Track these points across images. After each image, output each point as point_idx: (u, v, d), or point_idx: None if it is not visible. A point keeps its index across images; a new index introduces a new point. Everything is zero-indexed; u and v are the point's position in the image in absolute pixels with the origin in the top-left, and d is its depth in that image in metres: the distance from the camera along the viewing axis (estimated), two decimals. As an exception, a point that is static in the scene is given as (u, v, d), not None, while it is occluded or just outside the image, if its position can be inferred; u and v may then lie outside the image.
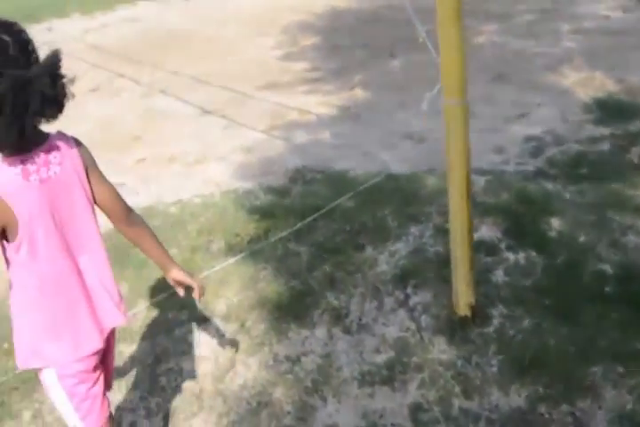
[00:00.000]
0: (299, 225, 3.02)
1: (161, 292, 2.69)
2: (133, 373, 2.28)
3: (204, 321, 2.50)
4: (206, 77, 5.81)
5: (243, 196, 3.45)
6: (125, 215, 1.54)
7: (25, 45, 1.27)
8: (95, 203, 1.48)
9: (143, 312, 2.59)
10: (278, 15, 8.46)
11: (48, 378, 1.49)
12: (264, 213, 3.21)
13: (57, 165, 1.36)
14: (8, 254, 1.38)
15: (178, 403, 2.15)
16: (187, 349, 2.37)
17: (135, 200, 3.60)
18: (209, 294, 2.64)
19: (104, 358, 1.60)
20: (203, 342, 2.39)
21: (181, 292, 1.66)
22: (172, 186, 3.70)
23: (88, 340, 1.48)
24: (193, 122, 4.77)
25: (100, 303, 1.50)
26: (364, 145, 4.06)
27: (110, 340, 1.61)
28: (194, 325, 2.48)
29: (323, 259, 2.79)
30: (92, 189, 1.46)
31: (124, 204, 1.53)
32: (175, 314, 2.55)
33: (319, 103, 4.97)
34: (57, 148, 1.36)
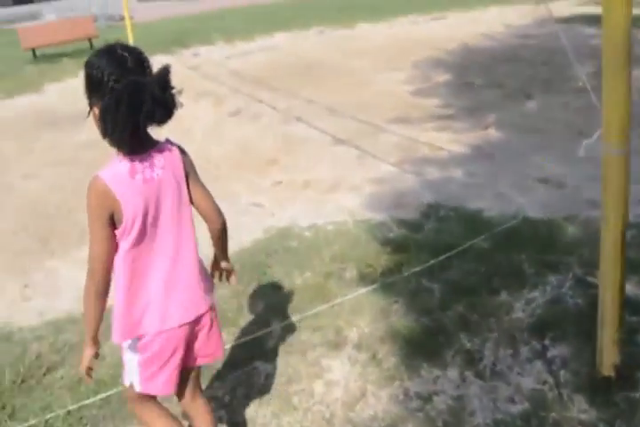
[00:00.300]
0: (432, 262, 3.03)
1: (296, 312, 2.80)
2: (267, 390, 2.38)
3: (336, 347, 2.56)
4: (339, 107, 6.03)
5: (375, 227, 3.52)
6: (218, 217, 1.71)
7: (141, 61, 1.50)
8: (192, 204, 1.66)
9: (277, 331, 2.70)
10: (409, 50, 8.63)
11: (127, 343, 1.67)
12: (397, 246, 3.26)
13: (160, 168, 1.56)
14: (117, 239, 1.58)
15: (308, 424, 2.21)
16: (318, 372, 2.44)
17: (271, 221, 3.80)
18: (342, 320, 2.72)
19: (189, 348, 1.73)
20: (334, 368, 2.45)
21: (218, 278, 1.90)
22: (307, 210, 3.85)
23: (172, 318, 1.64)
24: (327, 150, 4.95)
25: (187, 291, 1.66)
26: (498, 186, 4.01)
27: (198, 331, 1.73)
28: (326, 349, 2.55)
29: (456, 298, 2.77)
30: (189, 192, 1.64)
31: (218, 207, 1.71)
32: (308, 336, 2.64)
33: (451, 140, 4.99)
34: (162, 153, 1.57)
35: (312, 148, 5.03)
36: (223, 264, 1.88)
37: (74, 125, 7.22)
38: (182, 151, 1.65)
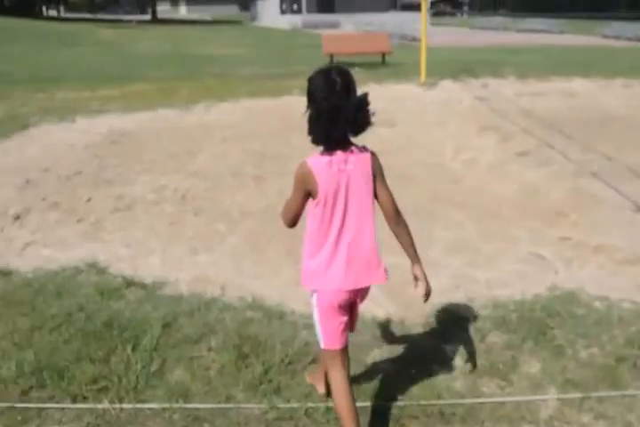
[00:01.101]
0: None
1: (577, 388, 2.54)
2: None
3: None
4: (645, 171, 5.44)
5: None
6: (395, 215, 2.11)
7: (347, 85, 1.92)
8: (377, 200, 2.09)
9: (553, 402, 2.48)
10: None
11: (314, 300, 2.11)
12: None
13: (352, 164, 2.01)
14: (310, 207, 2.07)
15: None
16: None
17: (554, 278, 3.54)
18: (633, 416, 2.39)
19: (353, 310, 2.17)
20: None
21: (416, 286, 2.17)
22: (598, 278, 3.51)
23: (349, 281, 2.05)
24: (626, 216, 4.48)
25: (362, 262, 2.07)
26: None
27: (364, 297, 2.17)
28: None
29: None
30: (375, 189, 2.08)
31: (396, 207, 2.11)
32: (590, 420, 2.37)
33: None
34: (356, 154, 2.02)
35: (608, 210, 4.60)
36: (414, 269, 2.16)
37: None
38: (373, 154, 2.08)
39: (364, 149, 2.08)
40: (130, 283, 3.47)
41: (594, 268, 3.67)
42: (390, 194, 2.11)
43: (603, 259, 3.79)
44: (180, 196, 5.12)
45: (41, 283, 3.54)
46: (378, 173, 2.08)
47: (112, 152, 6.75)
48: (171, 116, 8.58)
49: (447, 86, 10.55)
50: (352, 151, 2.02)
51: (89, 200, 5.16)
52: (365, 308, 3.18)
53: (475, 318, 3.10)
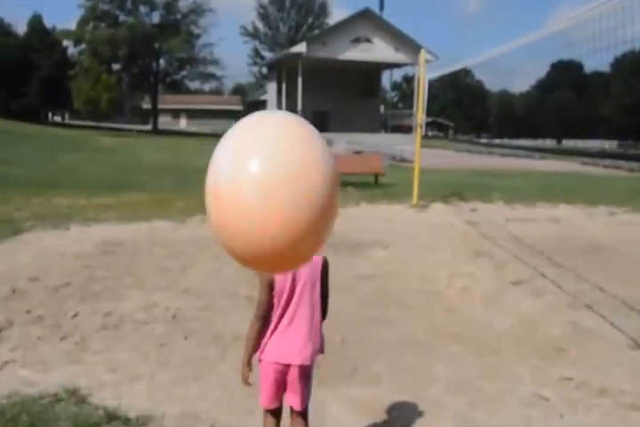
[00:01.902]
0: None
1: None
2: None
3: None
4: (639, 306, 5.47)
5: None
6: (322, 316, 2.70)
7: None
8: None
9: None
10: None
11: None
12: None
13: (305, 267, 2.49)
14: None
15: None
16: None
17: (558, 423, 3.41)
18: None
19: (290, 388, 2.61)
20: None
21: None
22: (605, 425, 3.38)
23: (282, 356, 2.54)
24: (625, 354, 4.43)
25: (301, 344, 2.56)
26: None
27: (298, 378, 2.58)
28: None
29: None
30: (321, 286, 2.61)
31: (326, 308, 2.71)
32: None
33: None
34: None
35: (606, 346, 4.55)
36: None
37: (353, 252, 7.81)
38: (324, 259, 2.62)
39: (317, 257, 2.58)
40: (111, 417, 3.26)
41: (600, 413, 3.55)
42: (327, 293, 2.69)
43: (608, 403, 3.68)
44: (170, 315, 5.01)
45: (15, 412, 3.32)
46: (325, 275, 2.64)
47: (103, 263, 6.70)
48: (165, 229, 8.64)
49: (438, 209, 10.90)
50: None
51: (75, 315, 5.03)
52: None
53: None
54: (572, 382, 3.94)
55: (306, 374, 2.59)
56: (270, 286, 2.51)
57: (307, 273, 2.52)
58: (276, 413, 2.67)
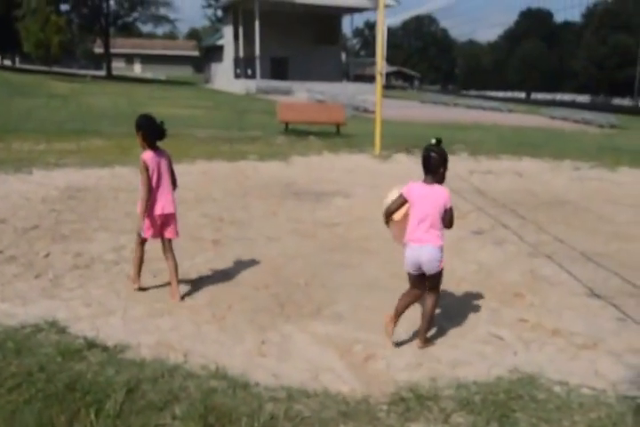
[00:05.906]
0: None
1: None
2: None
3: None
4: (597, 257, 5.91)
5: (643, 409, 3.31)
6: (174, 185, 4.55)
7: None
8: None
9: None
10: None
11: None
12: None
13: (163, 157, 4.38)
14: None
15: None
16: None
17: (513, 360, 3.79)
18: None
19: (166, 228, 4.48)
20: None
21: None
22: (556, 363, 3.75)
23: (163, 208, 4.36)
24: (581, 301, 4.83)
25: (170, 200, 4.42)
26: None
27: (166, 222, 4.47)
28: None
29: None
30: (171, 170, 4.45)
31: (174, 178, 4.52)
32: None
33: None
34: (163, 152, 4.41)
35: (564, 294, 4.96)
36: None
37: (315, 201, 8.04)
38: (166, 152, 4.42)
39: (164, 150, 4.48)
40: (91, 344, 3.52)
41: (552, 352, 3.94)
42: (174, 172, 4.54)
43: (561, 343, 4.07)
44: (137, 257, 5.22)
45: (0, 339, 3.55)
46: (171, 160, 4.54)
47: (69, 207, 6.98)
48: (127, 175, 8.83)
49: (400, 160, 11.18)
50: (163, 152, 4.47)
51: (47, 255, 5.26)
52: (330, 383, 3.33)
53: (438, 397, 3.27)
54: (527, 324, 4.33)
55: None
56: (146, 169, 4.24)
57: (164, 162, 4.33)
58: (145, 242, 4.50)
